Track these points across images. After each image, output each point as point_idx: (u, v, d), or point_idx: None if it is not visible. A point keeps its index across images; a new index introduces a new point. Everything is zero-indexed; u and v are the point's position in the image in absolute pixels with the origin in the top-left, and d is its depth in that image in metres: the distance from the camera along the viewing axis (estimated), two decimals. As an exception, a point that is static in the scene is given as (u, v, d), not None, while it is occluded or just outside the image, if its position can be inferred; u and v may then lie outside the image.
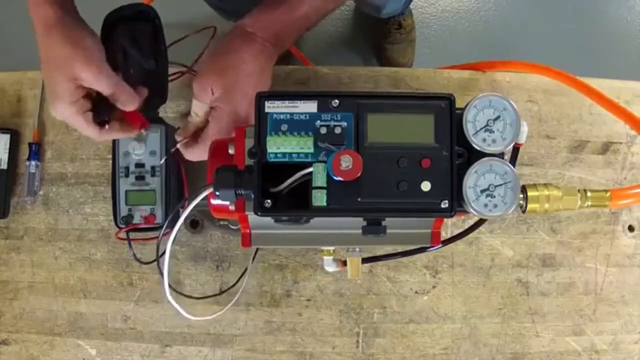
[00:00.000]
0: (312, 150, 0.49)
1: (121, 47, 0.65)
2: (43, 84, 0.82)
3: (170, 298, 0.59)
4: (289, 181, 0.48)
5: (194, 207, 0.54)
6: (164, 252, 0.59)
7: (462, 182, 0.49)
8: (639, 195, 0.59)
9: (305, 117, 0.49)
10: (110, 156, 0.77)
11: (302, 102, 0.50)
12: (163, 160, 0.74)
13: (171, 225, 0.59)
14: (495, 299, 0.79)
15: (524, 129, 0.51)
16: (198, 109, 0.65)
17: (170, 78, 0.75)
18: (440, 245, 0.60)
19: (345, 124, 0.49)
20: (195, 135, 0.67)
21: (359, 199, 0.48)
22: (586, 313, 0.80)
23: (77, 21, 0.62)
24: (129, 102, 0.63)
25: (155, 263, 0.76)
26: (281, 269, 0.79)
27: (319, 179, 0.47)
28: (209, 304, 0.78)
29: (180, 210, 0.58)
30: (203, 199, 0.54)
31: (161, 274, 0.66)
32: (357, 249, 0.63)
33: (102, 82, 0.60)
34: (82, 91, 0.60)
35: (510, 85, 0.84)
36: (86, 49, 0.60)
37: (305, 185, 0.48)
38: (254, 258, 0.78)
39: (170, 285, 0.62)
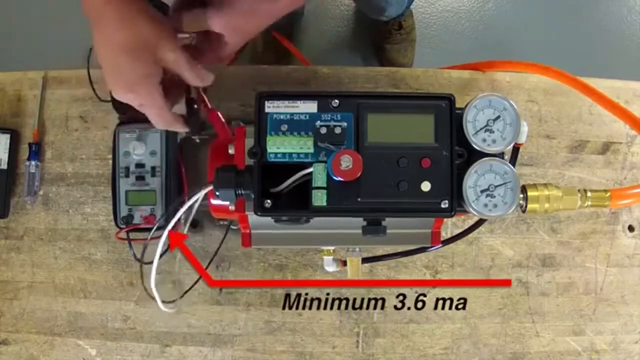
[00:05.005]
0: (312, 150, 0.49)
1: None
2: (43, 84, 0.82)
3: (154, 290, 0.58)
4: (289, 181, 0.48)
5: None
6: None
7: (462, 182, 0.49)
8: (639, 195, 0.59)
9: (305, 117, 0.49)
10: (110, 156, 0.77)
11: (302, 102, 0.50)
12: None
13: (165, 224, 0.58)
14: (495, 299, 0.79)
15: (524, 129, 0.51)
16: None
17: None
18: (440, 245, 0.60)
19: (345, 124, 0.49)
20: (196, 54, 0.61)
21: (359, 199, 0.48)
22: (586, 313, 0.80)
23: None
24: (207, 76, 0.59)
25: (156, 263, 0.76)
26: (281, 269, 0.79)
27: (319, 179, 0.47)
28: (210, 304, 0.78)
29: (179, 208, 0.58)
30: (203, 198, 0.54)
31: (151, 291, 0.65)
32: (357, 249, 0.64)
33: (183, 60, 0.56)
34: (162, 71, 0.56)
35: (510, 85, 0.84)
36: (166, 27, 0.56)
37: (305, 185, 0.48)
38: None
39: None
